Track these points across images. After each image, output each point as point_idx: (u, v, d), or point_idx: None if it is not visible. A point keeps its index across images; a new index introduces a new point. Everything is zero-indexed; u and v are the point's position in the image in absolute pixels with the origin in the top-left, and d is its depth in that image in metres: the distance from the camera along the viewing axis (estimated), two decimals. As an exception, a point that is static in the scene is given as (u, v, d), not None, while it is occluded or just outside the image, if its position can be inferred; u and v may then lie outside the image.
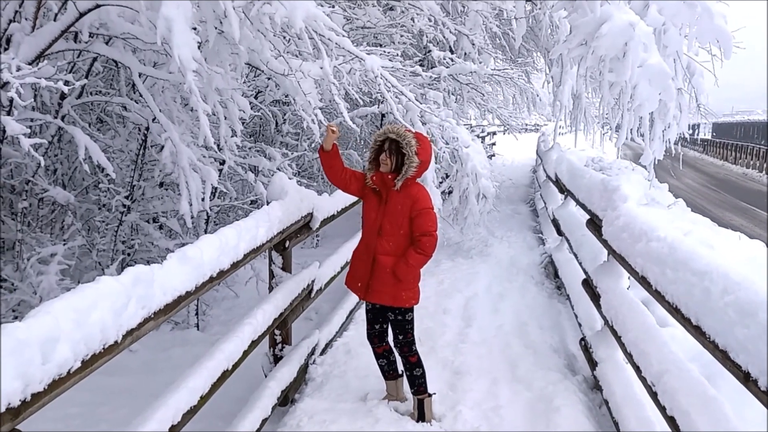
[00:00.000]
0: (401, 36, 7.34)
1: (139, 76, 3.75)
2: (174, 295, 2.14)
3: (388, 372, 3.89)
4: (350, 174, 3.71)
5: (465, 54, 8.53)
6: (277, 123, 8.88)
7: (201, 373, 2.45)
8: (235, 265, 2.75)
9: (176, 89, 4.30)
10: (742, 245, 6.95)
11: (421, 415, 3.72)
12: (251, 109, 7.49)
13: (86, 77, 4.80)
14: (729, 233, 8.57)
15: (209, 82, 3.38)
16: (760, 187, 25.98)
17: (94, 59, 4.74)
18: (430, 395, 3.77)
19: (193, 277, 2.29)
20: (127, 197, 5.39)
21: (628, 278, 4.06)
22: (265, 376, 3.85)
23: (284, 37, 3.78)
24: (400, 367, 3.87)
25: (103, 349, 1.78)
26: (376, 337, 3.86)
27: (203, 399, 2.45)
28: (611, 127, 8.46)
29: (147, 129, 4.93)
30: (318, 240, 9.90)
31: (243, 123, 8.22)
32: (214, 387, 2.58)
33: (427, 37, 7.88)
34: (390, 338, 3.83)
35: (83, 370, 1.70)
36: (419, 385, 3.73)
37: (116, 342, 1.84)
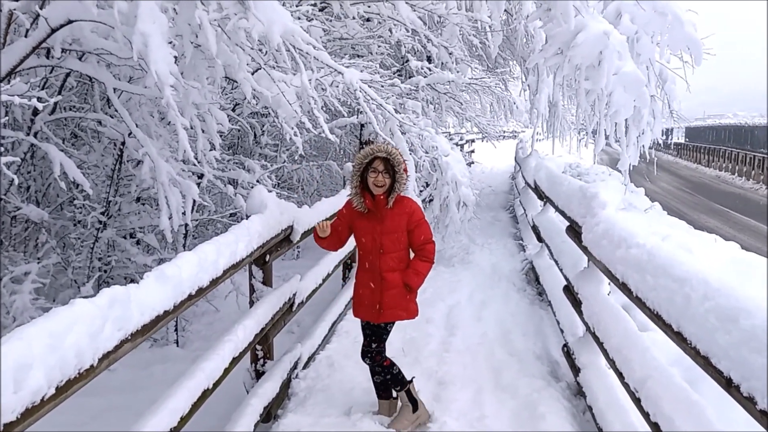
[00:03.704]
0: (379, 46, 7.36)
1: (114, 91, 3.70)
2: (152, 315, 2.10)
3: (383, 390, 3.85)
4: (339, 233, 3.74)
5: (442, 64, 8.58)
6: (255, 135, 8.84)
7: (181, 393, 2.40)
8: (215, 282, 2.71)
9: (153, 104, 4.25)
10: (719, 248, 7.05)
11: (412, 402, 3.75)
12: (229, 121, 7.47)
13: (59, 93, 4.72)
14: (705, 236, 8.70)
15: (186, 96, 3.34)
16: (733, 189, 26.47)
17: (68, 75, 4.67)
18: (410, 381, 3.81)
19: (172, 296, 2.24)
20: (103, 213, 5.30)
21: (609, 284, 4.10)
22: (247, 393, 3.80)
23: (261, 51, 3.76)
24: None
25: (79, 373, 1.74)
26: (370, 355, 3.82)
27: (183, 420, 2.40)
28: (587, 134, 8.55)
29: (123, 144, 4.86)
30: (299, 251, 9.85)
31: (221, 135, 8.18)
32: (195, 407, 2.53)
33: (405, 47, 7.92)
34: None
35: (58, 396, 1.66)
36: (400, 382, 3.76)
37: (92, 366, 1.79)
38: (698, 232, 9.38)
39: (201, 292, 2.54)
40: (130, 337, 1.96)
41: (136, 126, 3.70)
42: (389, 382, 3.76)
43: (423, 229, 3.65)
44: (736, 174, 31.18)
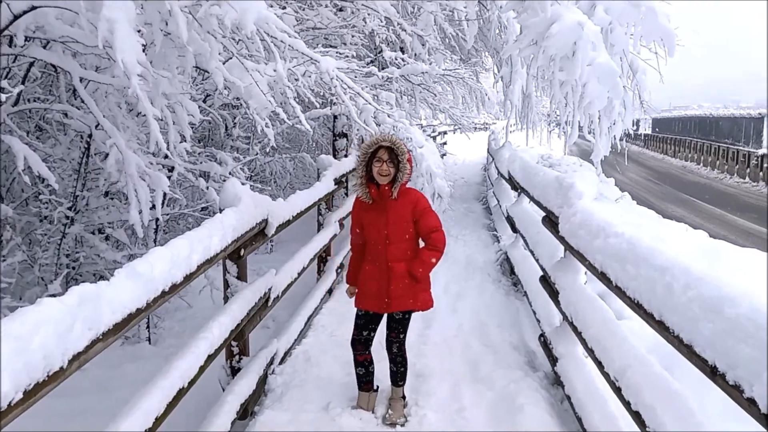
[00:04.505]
0: (353, 36, 7.27)
1: (81, 81, 3.56)
2: (124, 314, 2.01)
3: (365, 382, 3.86)
4: (361, 238, 3.80)
5: (416, 55, 8.53)
6: (227, 127, 8.69)
7: (155, 393, 2.32)
8: (189, 278, 2.62)
9: (120, 94, 4.10)
10: (689, 237, 7.17)
11: (403, 396, 3.86)
12: (200, 113, 7.31)
13: (23, 83, 4.54)
14: (675, 225, 8.84)
15: (156, 86, 3.23)
16: (699, 179, 27.04)
17: (31, 64, 4.49)
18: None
19: (144, 293, 2.16)
20: (70, 208, 5.13)
21: (585, 273, 4.11)
22: (223, 390, 3.72)
23: (234, 39, 3.66)
24: (376, 382, 3.91)
25: (48, 376, 1.65)
26: (361, 344, 3.81)
27: (158, 420, 2.32)
28: (558, 125, 8.59)
29: (90, 136, 4.70)
30: (272, 245, 9.74)
31: (192, 128, 8.01)
32: (170, 406, 2.46)
33: (379, 37, 7.84)
34: (377, 340, 3.87)
35: (26, 400, 1.57)
36: (403, 377, 3.86)
37: (62, 368, 1.71)
38: (668, 222, 9.54)
39: (174, 288, 2.45)
40: (101, 337, 1.87)
41: (104, 117, 3.56)
42: (405, 373, 3.85)
43: (429, 217, 3.65)
44: (702, 164, 31.86)
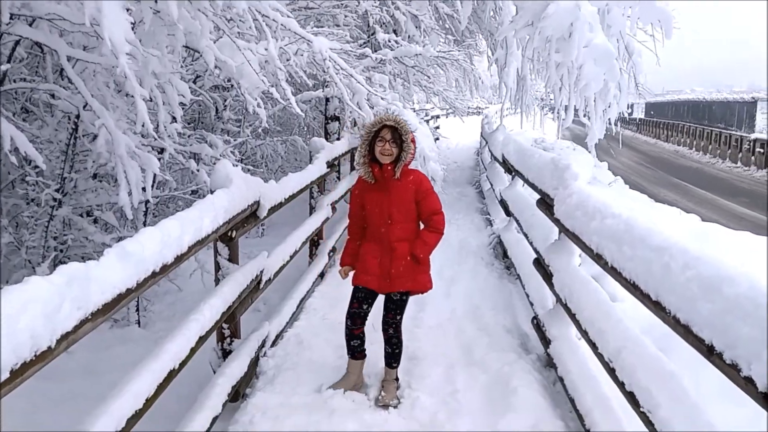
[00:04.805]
0: (345, 17, 7.17)
1: (68, 60, 3.48)
2: (113, 294, 1.97)
3: (359, 351, 3.89)
4: (360, 218, 3.79)
5: (409, 37, 8.43)
6: (217, 110, 8.58)
7: (145, 375, 2.29)
8: (179, 259, 2.58)
9: (109, 73, 4.02)
10: (682, 220, 7.18)
11: (396, 378, 3.87)
12: (191, 94, 7.21)
13: (8, 62, 4.44)
14: (668, 209, 8.86)
15: (145, 65, 3.16)
16: (691, 164, 27.13)
17: (17, 43, 4.39)
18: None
19: (134, 273, 2.12)
20: (57, 190, 5.05)
21: (579, 255, 4.10)
22: (214, 372, 3.69)
23: (226, 18, 3.58)
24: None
25: (35, 356, 1.62)
26: (359, 318, 3.81)
27: (149, 402, 2.29)
28: (551, 109, 8.56)
29: (78, 117, 4.61)
30: (263, 229, 9.69)
31: (182, 109, 7.90)
32: (161, 388, 2.43)
33: (373, 17, 7.74)
34: (369, 322, 3.86)
35: (12, 380, 1.54)
36: (398, 358, 3.84)
37: (50, 348, 1.67)
38: (660, 205, 9.56)
39: (165, 269, 2.41)
40: (90, 317, 1.84)
41: (92, 96, 3.49)
42: (400, 355, 3.86)
43: (431, 199, 3.68)
44: (694, 148, 31.94)
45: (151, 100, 3.53)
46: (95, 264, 1.94)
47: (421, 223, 3.77)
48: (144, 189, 3.71)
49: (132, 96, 2.93)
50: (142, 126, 2.97)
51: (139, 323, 5.70)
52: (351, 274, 3.88)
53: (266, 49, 3.29)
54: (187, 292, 6.33)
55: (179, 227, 2.61)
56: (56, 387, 4.10)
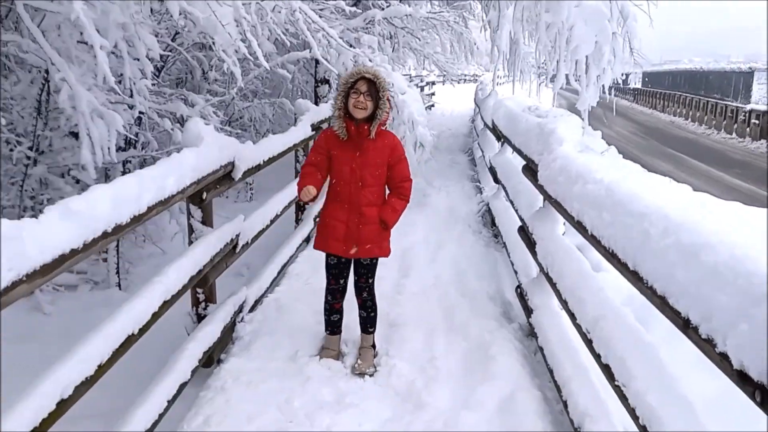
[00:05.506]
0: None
1: (25, 8, 3.28)
2: (54, 254, 1.84)
3: (338, 327, 3.85)
4: (320, 170, 3.49)
5: (399, -4, 8.17)
6: (203, 70, 8.35)
7: (96, 340, 2.18)
8: (137, 219, 2.45)
9: (73, 25, 3.82)
10: (672, 189, 7.05)
11: (373, 345, 3.84)
12: (173, 53, 6.98)
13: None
14: (659, 178, 8.73)
15: (106, 14, 2.97)
16: (686, 135, 26.96)
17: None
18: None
19: (80, 234, 1.98)
20: (30, 148, 4.89)
21: (564, 224, 3.99)
22: (188, 337, 3.59)
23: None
24: (347, 331, 3.91)
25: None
26: (339, 293, 3.75)
27: (102, 368, 2.18)
28: (546, 76, 8.35)
29: (47, 72, 4.43)
30: (252, 193, 9.56)
31: (166, 71, 7.67)
32: (117, 353, 2.32)
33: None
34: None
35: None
36: (374, 322, 3.82)
37: (-25, 310, 1.55)
38: (652, 175, 9.43)
39: (119, 229, 2.28)
40: (24, 278, 1.71)
41: (52, 48, 3.30)
42: (375, 318, 3.81)
43: (403, 165, 3.56)
44: (690, 119, 31.69)
45: (118, 56, 3.35)
46: (33, 222, 1.81)
47: (387, 187, 3.62)
48: (110, 148, 3.54)
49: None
50: (104, 81, 2.80)
51: (119, 285, 5.61)
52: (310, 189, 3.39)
53: None
54: (170, 256, 6.22)
55: (137, 185, 2.47)
56: (32, 349, 3.99)
